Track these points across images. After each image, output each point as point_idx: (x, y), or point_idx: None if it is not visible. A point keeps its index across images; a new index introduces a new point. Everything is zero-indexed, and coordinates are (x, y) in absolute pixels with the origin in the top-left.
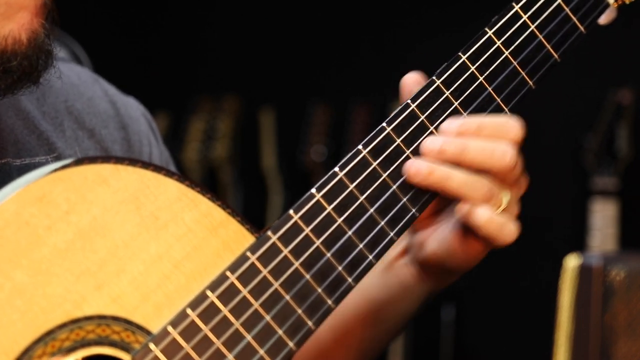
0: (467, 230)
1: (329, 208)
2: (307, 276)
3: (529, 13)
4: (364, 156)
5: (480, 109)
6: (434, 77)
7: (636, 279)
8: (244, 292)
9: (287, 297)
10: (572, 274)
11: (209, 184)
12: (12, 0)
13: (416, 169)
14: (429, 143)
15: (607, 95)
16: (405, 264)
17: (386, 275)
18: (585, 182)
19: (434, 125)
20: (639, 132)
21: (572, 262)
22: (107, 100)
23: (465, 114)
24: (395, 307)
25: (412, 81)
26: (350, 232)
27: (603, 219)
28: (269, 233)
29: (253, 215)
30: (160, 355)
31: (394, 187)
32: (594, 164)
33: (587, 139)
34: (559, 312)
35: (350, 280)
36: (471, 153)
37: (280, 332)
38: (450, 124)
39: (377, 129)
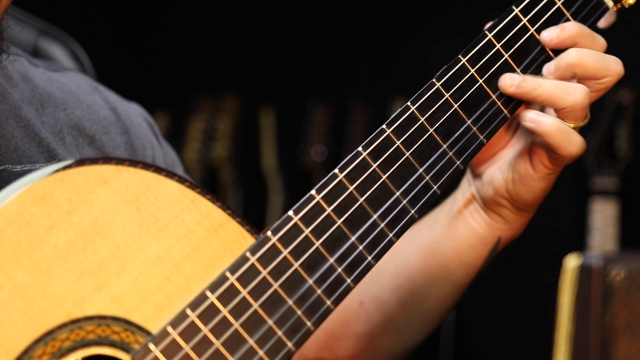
0: (534, 151)
1: (329, 209)
2: (307, 277)
3: (529, 16)
4: (364, 158)
5: (480, 112)
6: (433, 80)
7: (636, 279)
8: (244, 292)
9: (287, 298)
10: (572, 274)
11: (209, 184)
12: None
13: (510, 78)
14: (549, 66)
15: (607, 95)
16: (475, 209)
17: (454, 224)
18: (585, 182)
19: (434, 128)
20: (639, 132)
21: (572, 262)
22: (107, 107)
23: (465, 117)
24: (463, 258)
25: None
26: (350, 234)
27: (603, 219)
28: (269, 234)
29: (253, 215)
30: (160, 356)
31: (394, 189)
32: (594, 164)
33: (587, 139)
34: (559, 312)
35: (349, 281)
36: (588, 59)
37: (279, 333)
38: (564, 27)
39: (377, 131)
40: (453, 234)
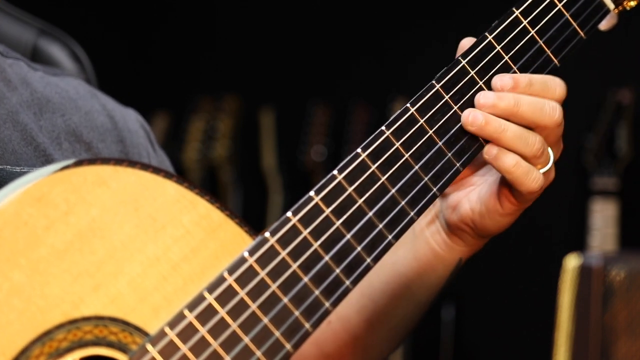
0: (501, 188)
1: (327, 211)
2: (305, 279)
3: (529, 18)
4: (363, 159)
5: None
6: (433, 81)
7: (636, 279)
8: (242, 294)
9: (285, 299)
10: (572, 274)
11: (209, 184)
12: None
13: (473, 117)
14: (483, 97)
15: (607, 95)
16: (437, 230)
17: (416, 245)
18: (585, 182)
19: (433, 129)
20: (639, 132)
21: (572, 262)
22: (105, 114)
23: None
24: (425, 279)
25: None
26: (348, 235)
27: (603, 219)
28: (267, 235)
29: (253, 215)
30: (158, 356)
31: (393, 190)
32: (594, 164)
33: (587, 139)
34: (559, 312)
35: (347, 282)
36: (524, 107)
37: (277, 334)
38: (502, 79)
39: (376, 132)
40: (415, 256)
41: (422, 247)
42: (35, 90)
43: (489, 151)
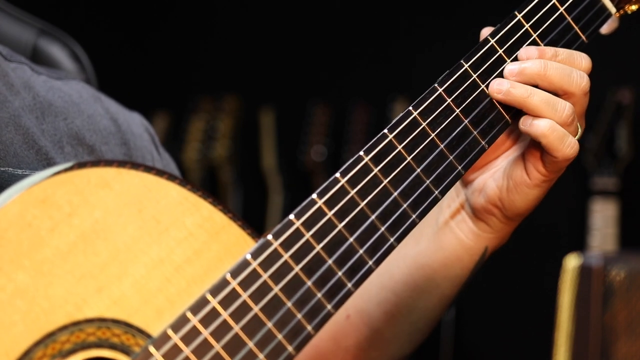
0: (529, 157)
1: (330, 214)
2: (307, 281)
3: (531, 21)
4: (366, 163)
5: (481, 117)
6: (435, 85)
7: (636, 279)
8: (244, 296)
9: (287, 302)
10: (572, 274)
11: (209, 184)
12: None
13: (499, 84)
14: (510, 68)
15: (607, 95)
16: (462, 219)
17: (441, 236)
18: (585, 182)
19: (435, 132)
20: (639, 132)
21: (572, 262)
22: (108, 118)
23: (466, 121)
24: (450, 269)
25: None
26: (351, 238)
27: (603, 219)
28: (270, 238)
29: (253, 216)
30: (160, 359)
31: (395, 194)
32: (594, 163)
33: (587, 139)
34: (559, 312)
35: (349, 285)
36: (552, 73)
37: (279, 336)
38: (528, 49)
39: (378, 136)
40: (439, 246)
41: (447, 237)
42: (37, 94)
43: (524, 120)
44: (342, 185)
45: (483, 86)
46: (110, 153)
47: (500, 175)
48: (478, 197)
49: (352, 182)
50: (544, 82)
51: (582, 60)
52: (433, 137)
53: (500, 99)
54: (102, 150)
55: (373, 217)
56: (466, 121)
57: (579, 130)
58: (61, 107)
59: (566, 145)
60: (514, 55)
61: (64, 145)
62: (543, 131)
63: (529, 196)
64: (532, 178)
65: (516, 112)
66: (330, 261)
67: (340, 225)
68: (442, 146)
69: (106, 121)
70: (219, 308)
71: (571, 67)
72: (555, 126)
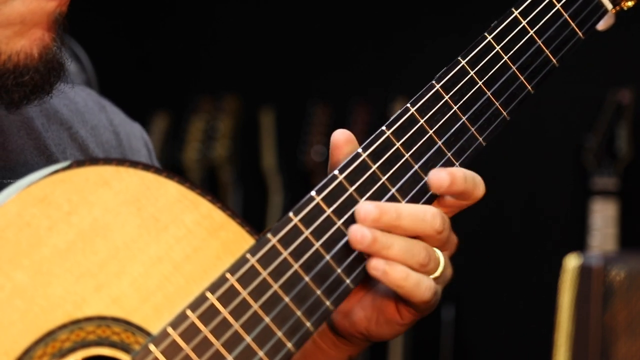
0: (399, 300)
1: (329, 211)
2: (307, 278)
3: (528, 18)
4: (364, 159)
5: (479, 113)
6: (433, 82)
7: (636, 279)
8: (244, 293)
9: (286, 299)
10: (572, 274)
11: (209, 184)
12: (27, 19)
13: (362, 235)
14: (364, 211)
15: (607, 95)
16: (324, 332)
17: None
18: (585, 182)
19: (433, 129)
20: (639, 132)
21: (572, 262)
22: (110, 131)
23: (464, 118)
24: None
25: (342, 139)
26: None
27: (603, 219)
28: (269, 235)
29: (253, 215)
30: (160, 357)
31: (393, 190)
32: (594, 164)
33: (587, 139)
34: (559, 312)
35: (348, 281)
36: (405, 220)
37: (279, 333)
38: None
39: (377, 132)
40: (302, 352)
41: (308, 345)
42: (44, 100)
43: (377, 266)
44: (340, 182)
45: (480, 83)
46: None
47: (368, 305)
48: (342, 319)
49: (351, 179)
50: (398, 231)
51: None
52: (431, 134)
53: (362, 249)
54: None
55: None
56: (464, 118)
57: (441, 261)
58: (66, 116)
59: (423, 290)
60: (513, 50)
61: (67, 156)
62: (397, 282)
63: (399, 331)
64: (404, 318)
65: (515, 106)
66: (329, 258)
67: (340, 222)
68: (439, 142)
69: (109, 134)
70: (219, 305)
71: (424, 209)
72: (409, 275)
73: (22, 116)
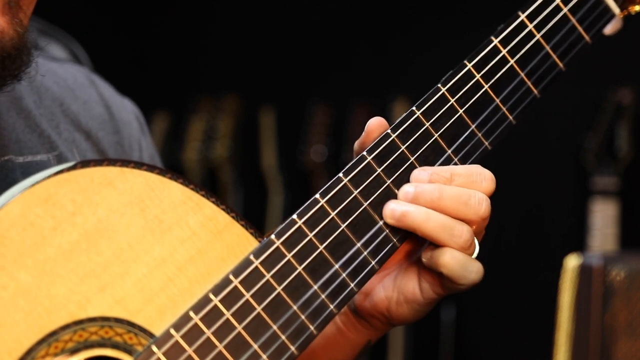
0: (423, 275)
1: (333, 213)
2: (310, 281)
3: (535, 22)
4: (369, 162)
5: (485, 118)
6: (439, 85)
7: (636, 279)
8: (247, 296)
9: (290, 302)
10: (572, 274)
11: (209, 184)
12: None
13: (391, 210)
14: (404, 192)
15: (607, 95)
16: (345, 313)
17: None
18: (585, 182)
19: (439, 133)
20: (639, 132)
21: (572, 262)
22: (102, 105)
23: (471, 123)
24: (331, 354)
25: (375, 125)
26: (353, 238)
27: (603, 219)
28: (273, 237)
29: (253, 216)
30: (163, 358)
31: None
32: (594, 164)
33: (587, 139)
34: (559, 312)
35: (352, 285)
36: (446, 203)
37: (283, 337)
38: (420, 174)
39: (382, 135)
40: (322, 334)
41: (329, 328)
42: (34, 78)
43: (425, 253)
44: (345, 185)
45: (487, 87)
46: (106, 139)
47: (390, 285)
48: (363, 300)
49: (355, 182)
50: (439, 210)
51: (483, 181)
52: (436, 138)
53: (393, 224)
54: (99, 136)
55: (377, 216)
56: (470, 122)
57: (476, 249)
58: (57, 92)
59: (469, 271)
60: (519, 54)
61: (61, 131)
62: (443, 262)
63: (419, 312)
64: (425, 297)
65: (521, 111)
66: (333, 260)
67: (344, 225)
68: (445, 146)
69: (100, 108)
70: (222, 307)
71: (469, 192)
72: (454, 255)
73: (10, 96)
